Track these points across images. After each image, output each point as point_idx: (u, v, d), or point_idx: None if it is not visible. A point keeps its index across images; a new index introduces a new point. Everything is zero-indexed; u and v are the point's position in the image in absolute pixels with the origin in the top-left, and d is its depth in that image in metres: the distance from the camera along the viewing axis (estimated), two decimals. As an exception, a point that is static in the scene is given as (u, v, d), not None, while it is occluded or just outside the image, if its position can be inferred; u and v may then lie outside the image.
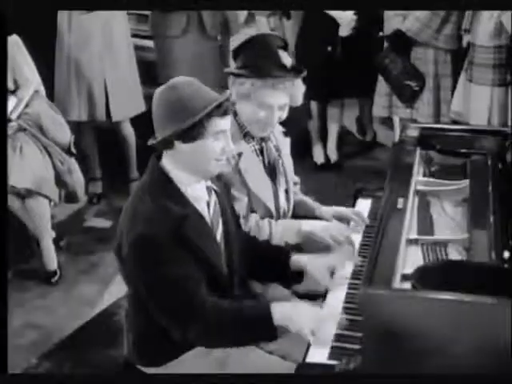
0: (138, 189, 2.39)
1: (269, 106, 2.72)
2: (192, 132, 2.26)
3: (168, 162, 2.35)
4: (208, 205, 2.42)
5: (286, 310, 2.31)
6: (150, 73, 5.06)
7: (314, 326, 2.28)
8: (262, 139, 2.86)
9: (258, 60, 2.71)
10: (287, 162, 2.99)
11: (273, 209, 2.86)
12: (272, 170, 2.90)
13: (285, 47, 2.77)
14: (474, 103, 4.33)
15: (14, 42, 4.13)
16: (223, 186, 2.55)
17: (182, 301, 2.26)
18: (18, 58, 4.12)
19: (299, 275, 2.62)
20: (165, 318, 2.31)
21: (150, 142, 2.34)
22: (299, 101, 2.82)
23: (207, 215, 2.40)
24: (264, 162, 2.87)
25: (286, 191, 2.96)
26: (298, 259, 2.62)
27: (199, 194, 2.39)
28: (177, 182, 2.34)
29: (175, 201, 2.30)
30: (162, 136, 2.29)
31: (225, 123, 2.31)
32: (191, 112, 2.24)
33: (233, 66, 2.82)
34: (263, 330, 2.31)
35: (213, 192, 2.45)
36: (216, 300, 2.32)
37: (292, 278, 2.63)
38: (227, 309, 2.31)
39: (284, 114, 2.80)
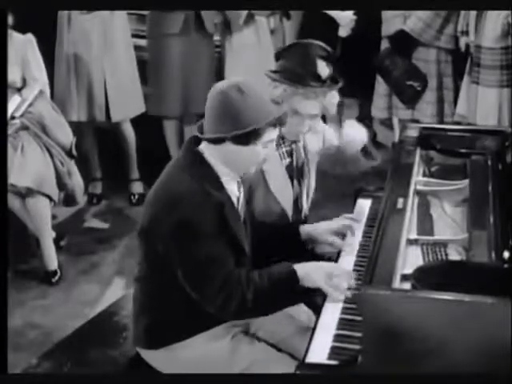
0: (174, 171, 2.43)
1: (299, 114, 2.72)
2: (247, 138, 2.33)
3: (209, 152, 2.40)
4: (238, 199, 2.50)
5: (304, 268, 2.43)
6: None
7: (330, 279, 2.40)
8: (294, 141, 2.87)
9: (293, 67, 2.71)
10: (313, 159, 2.98)
11: (289, 212, 2.88)
12: (300, 172, 2.91)
13: (326, 57, 2.74)
14: (483, 105, 4.34)
15: (28, 41, 4.16)
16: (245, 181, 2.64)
17: (222, 278, 2.34)
18: (29, 56, 4.14)
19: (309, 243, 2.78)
20: (205, 297, 2.37)
21: (201, 136, 2.39)
22: (332, 111, 2.80)
23: (236, 206, 2.49)
24: (292, 164, 2.88)
25: (308, 194, 2.98)
26: (306, 227, 2.78)
27: (232, 188, 2.47)
28: (216, 171, 2.41)
29: (214, 186, 2.38)
30: (216, 134, 2.34)
31: (275, 133, 2.40)
32: (252, 119, 2.31)
33: (273, 67, 2.83)
34: (291, 287, 2.41)
35: (241, 187, 2.53)
36: (246, 272, 2.40)
37: (303, 247, 2.76)
38: (257, 277, 2.39)
39: (316, 123, 2.80)
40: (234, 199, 2.48)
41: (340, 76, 2.77)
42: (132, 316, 2.59)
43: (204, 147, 2.41)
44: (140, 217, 2.49)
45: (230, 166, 2.41)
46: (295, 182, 2.91)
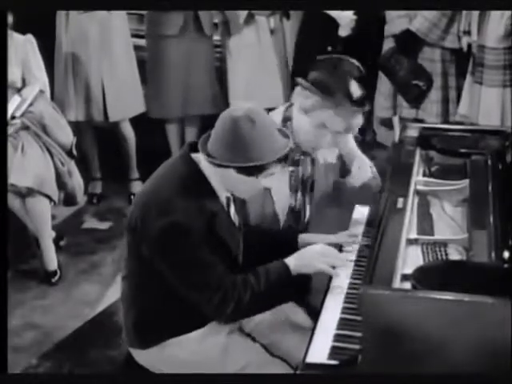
0: (168, 176, 2.43)
1: (323, 128, 2.70)
2: (251, 171, 2.34)
3: (205, 163, 2.39)
4: (230, 207, 2.51)
5: (297, 257, 2.49)
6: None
7: (326, 259, 2.48)
8: (303, 152, 2.85)
9: (329, 81, 2.67)
10: (322, 172, 2.95)
11: (281, 220, 2.88)
12: (305, 185, 2.90)
13: (360, 78, 2.71)
14: (486, 105, 4.34)
15: (28, 41, 4.16)
16: None
17: (215, 283, 2.36)
18: (29, 56, 4.15)
19: None
20: (199, 300, 2.39)
21: (207, 159, 2.36)
22: (354, 132, 2.80)
23: (230, 214, 2.50)
24: (296, 174, 2.87)
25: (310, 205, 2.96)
26: (305, 237, 2.75)
27: (224, 195, 2.48)
28: (210, 181, 2.41)
29: (208, 197, 2.39)
30: (220, 159, 2.33)
31: (279, 168, 2.40)
32: (259, 155, 2.31)
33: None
34: (286, 283, 2.45)
35: (231, 201, 2.53)
36: (242, 276, 2.42)
37: None
38: (254, 280, 2.42)
39: (334, 140, 2.77)
40: (227, 207, 2.48)
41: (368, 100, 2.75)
42: (122, 316, 2.59)
43: (201, 157, 2.40)
44: (129, 212, 2.48)
45: (224, 184, 2.42)
46: (299, 193, 2.90)
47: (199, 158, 2.41)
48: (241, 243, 2.55)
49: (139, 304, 2.50)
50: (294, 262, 2.47)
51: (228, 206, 2.49)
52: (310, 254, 2.50)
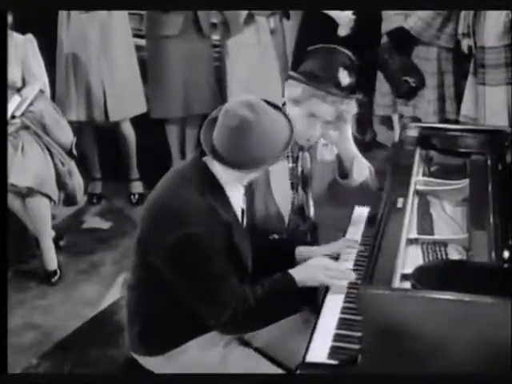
0: (180, 183, 2.40)
1: (314, 117, 2.70)
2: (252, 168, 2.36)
3: (216, 164, 2.39)
4: (242, 211, 2.52)
5: (301, 270, 2.51)
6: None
7: (329, 272, 2.50)
8: (301, 148, 2.85)
9: (315, 69, 2.70)
10: (319, 171, 2.94)
11: (286, 219, 2.87)
12: (305, 181, 2.90)
13: (349, 67, 2.74)
14: (492, 105, 4.34)
15: (28, 41, 4.17)
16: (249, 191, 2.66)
17: (229, 295, 2.35)
18: (29, 56, 4.15)
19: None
20: (210, 313, 2.38)
21: (211, 155, 2.35)
22: (347, 121, 2.78)
23: (241, 221, 2.51)
24: (295, 170, 2.87)
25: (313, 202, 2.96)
26: (302, 250, 2.74)
27: (238, 201, 2.48)
28: (222, 184, 2.41)
29: (221, 204, 2.38)
30: (224, 160, 2.33)
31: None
32: (263, 158, 2.32)
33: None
34: (291, 294, 2.47)
35: (245, 201, 2.54)
36: (250, 288, 2.42)
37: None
38: (260, 291, 2.42)
39: (325, 130, 2.76)
40: (239, 214, 2.48)
41: (360, 89, 2.76)
42: (126, 322, 2.59)
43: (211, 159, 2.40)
44: (138, 221, 2.47)
45: (233, 178, 2.41)
46: (300, 190, 2.89)
47: (211, 160, 2.39)
48: (249, 249, 2.53)
49: (145, 314, 2.49)
50: (298, 274, 2.47)
51: (243, 205, 2.49)
52: (314, 267, 2.51)
